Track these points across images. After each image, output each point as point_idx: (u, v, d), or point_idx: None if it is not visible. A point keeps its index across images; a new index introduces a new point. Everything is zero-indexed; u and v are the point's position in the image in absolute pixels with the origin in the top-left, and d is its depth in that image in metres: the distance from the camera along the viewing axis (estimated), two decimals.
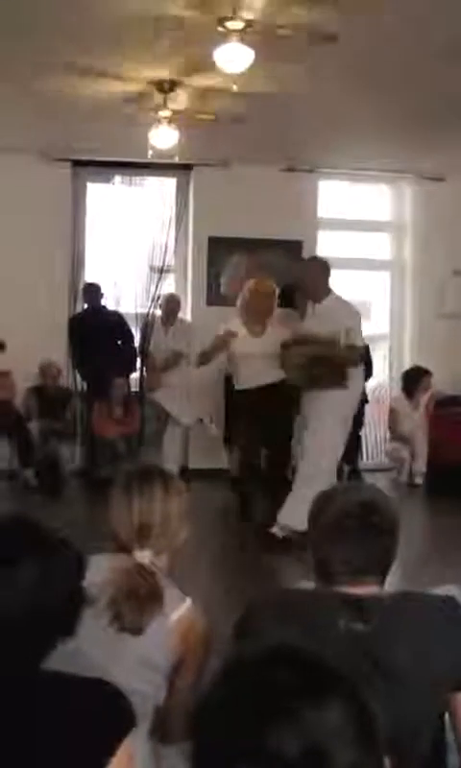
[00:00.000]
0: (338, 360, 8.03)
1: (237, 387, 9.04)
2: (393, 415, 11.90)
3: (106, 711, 1.95)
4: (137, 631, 2.77)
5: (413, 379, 11.80)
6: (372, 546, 2.59)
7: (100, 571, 2.83)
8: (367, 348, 8.37)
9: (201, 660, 2.90)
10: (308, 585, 2.81)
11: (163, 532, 2.94)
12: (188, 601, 2.89)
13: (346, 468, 10.68)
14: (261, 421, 8.84)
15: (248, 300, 8.89)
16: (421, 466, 11.57)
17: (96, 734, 1.91)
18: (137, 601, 2.77)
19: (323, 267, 8.38)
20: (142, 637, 2.77)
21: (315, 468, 8.00)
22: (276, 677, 1.31)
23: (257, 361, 8.62)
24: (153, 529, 2.92)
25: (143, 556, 2.87)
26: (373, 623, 2.48)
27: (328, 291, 8.32)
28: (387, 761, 1.32)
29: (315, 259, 8.45)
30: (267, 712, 1.25)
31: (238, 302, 8.99)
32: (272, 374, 8.50)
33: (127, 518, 2.93)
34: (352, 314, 8.35)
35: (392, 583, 2.74)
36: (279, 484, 8.55)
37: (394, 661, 2.46)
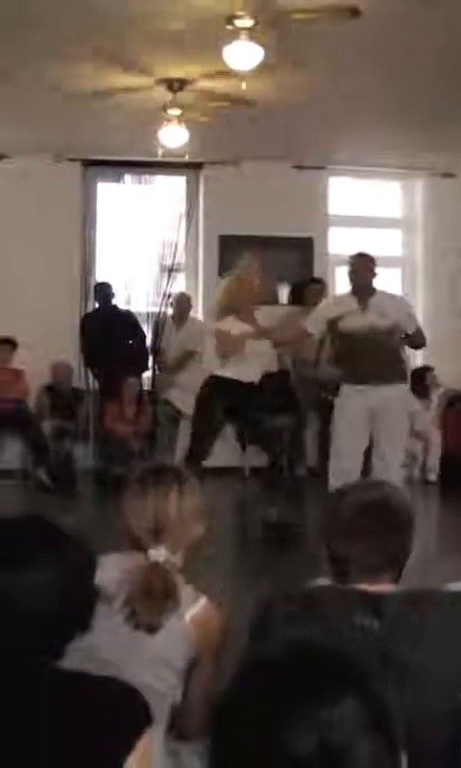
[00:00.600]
0: None
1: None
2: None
3: (122, 709, 1.95)
4: (153, 629, 2.77)
5: (421, 378, 11.80)
6: (386, 544, 2.59)
7: (115, 570, 2.84)
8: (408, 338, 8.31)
9: (216, 658, 2.90)
10: (324, 582, 2.81)
11: (178, 530, 2.93)
12: (204, 599, 2.89)
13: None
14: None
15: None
16: (434, 462, 11.57)
17: (113, 732, 1.91)
18: (153, 599, 2.77)
19: (373, 262, 8.36)
20: (158, 636, 2.78)
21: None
22: (291, 674, 1.31)
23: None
24: (167, 527, 2.91)
25: (158, 554, 2.87)
26: (388, 620, 2.47)
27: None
28: (404, 756, 1.32)
29: (364, 255, 8.40)
30: (283, 709, 1.26)
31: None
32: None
33: (142, 516, 2.93)
34: (405, 302, 8.69)
35: (407, 579, 2.73)
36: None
37: (409, 658, 2.46)
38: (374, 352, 7.86)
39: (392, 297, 8.51)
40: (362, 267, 8.08)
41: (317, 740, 1.23)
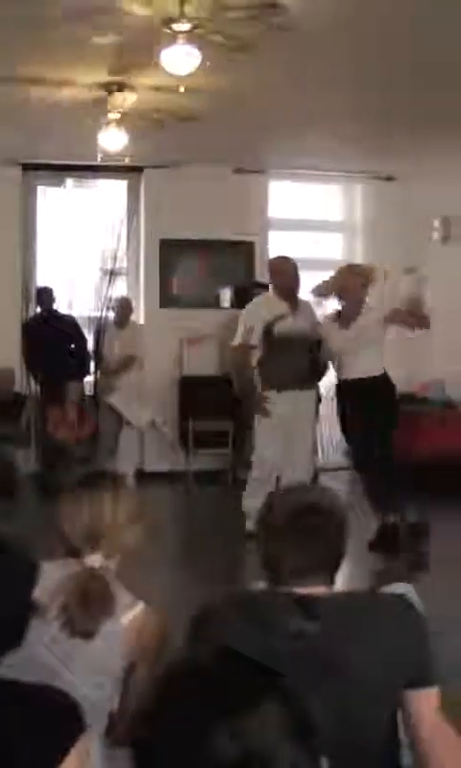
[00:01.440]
0: None
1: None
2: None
3: (55, 717, 1.95)
4: (89, 635, 2.76)
5: None
6: (319, 547, 2.59)
7: (51, 577, 2.83)
8: (319, 345, 8.32)
9: (153, 663, 2.89)
10: (261, 585, 2.81)
11: (114, 535, 2.93)
12: (140, 604, 2.88)
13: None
14: None
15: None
16: None
17: (46, 740, 1.90)
18: (88, 606, 2.76)
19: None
20: (94, 642, 2.77)
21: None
22: (212, 681, 1.32)
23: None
24: (102, 532, 2.90)
25: (93, 560, 2.86)
26: (322, 623, 2.48)
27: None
28: (325, 762, 1.33)
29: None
30: (205, 717, 1.26)
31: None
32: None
33: (77, 523, 2.92)
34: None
35: (342, 581, 2.74)
36: None
37: (344, 661, 2.47)
38: (303, 355, 8.06)
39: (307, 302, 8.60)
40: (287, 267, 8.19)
41: (239, 748, 1.23)
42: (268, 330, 8.07)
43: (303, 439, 8.38)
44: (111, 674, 2.82)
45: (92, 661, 2.77)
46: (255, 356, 8.28)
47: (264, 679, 1.35)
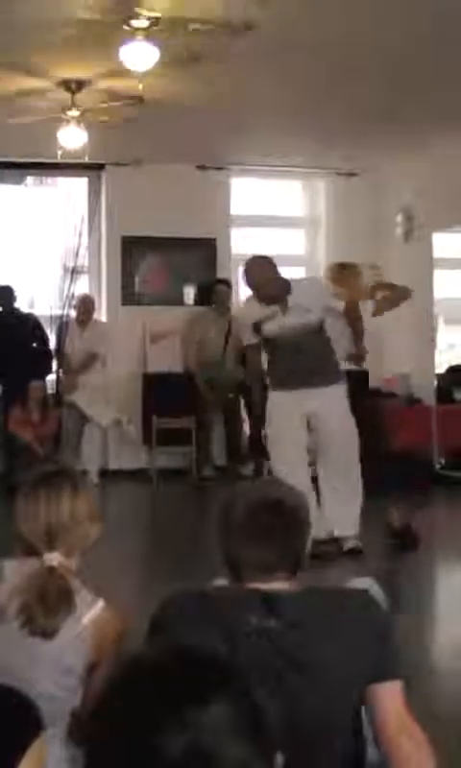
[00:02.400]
0: None
1: None
2: None
3: (10, 716, 1.93)
4: (50, 634, 2.74)
5: None
6: (280, 542, 2.57)
7: (9, 576, 2.80)
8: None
9: (114, 660, 2.87)
10: (222, 582, 2.80)
11: (72, 533, 2.90)
12: (101, 602, 2.86)
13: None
14: None
15: None
16: None
17: (1, 740, 1.88)
18: (48, 604, 2.73)
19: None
20: (55, 641, 2.74)
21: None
22: (162, 676, 1.30)
23: None
24: (61, 531, 2.88)
25: (52, 558, 2.83)
26: (284, 618, 2.47)
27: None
28: (280, 758, 1.31)
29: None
30: (152, 711, 1.25)
31: None
32: None
33: (34, 521, 2.89)
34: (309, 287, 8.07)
35: (311, 578, 2.73)
36: None
37: (307, 656, 2.46)
38: (298, 354, 7.55)
39: (305, 286, 7.97)
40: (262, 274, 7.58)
41: (186, 743, 1.22)
42: (257, 329, 7.70)
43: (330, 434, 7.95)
44: (74, 673, 2.80)
45: (54, 661, 2.75)
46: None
47: (215, 674, 1.33)
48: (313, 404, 7.58)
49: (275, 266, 7.57)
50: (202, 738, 1.22)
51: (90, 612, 2.82)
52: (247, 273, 7.58)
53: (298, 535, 2.62)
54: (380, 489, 9.36)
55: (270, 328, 7.58)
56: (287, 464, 7.55)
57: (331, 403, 7.67)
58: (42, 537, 2.86)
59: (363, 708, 2.63)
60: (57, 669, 2.76)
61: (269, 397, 7.80)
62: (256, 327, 7.67)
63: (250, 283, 7.59)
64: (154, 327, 11.95)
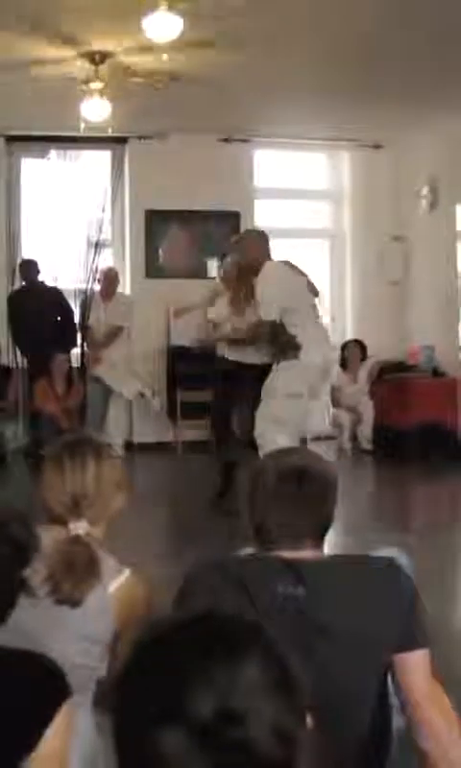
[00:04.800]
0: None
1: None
2: (332, 387, 12.05)
3: (38, 682, 1.94)
4: (76, 603, 2.75)
5: (347, 353, 11.97)
6: (307, 511, 2.58)
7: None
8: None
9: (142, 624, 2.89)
10: (249, 551, 2.80)
11: (97, 501, 2.91)
12: (127, 571, 2.87)
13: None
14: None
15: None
16: (367, 432, 11.66)
17: (30, 706, 1.90)
18: (74, 573, 2.74)
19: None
20: (81, 609, 2.76)
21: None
22: (191, 639, 1.30)
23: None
24: (86, 499, 2.88)
25: (78, 527, 2.84)
26: (311, 586, 2.47)
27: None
28: (310, 718, 1.31)
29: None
30: (181, 674, 1.25)
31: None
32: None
33: (60, 490, 2.90)
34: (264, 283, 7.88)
35: (339, 546, 2.74)
36: None
37: (333, 624, 2.46)
38: None
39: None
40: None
41: (217, 704, 1.22)
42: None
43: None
44: (100, 642, 2.81)
45: (80, 629, 2.76)
46: None
47: (244, 633, 1.33)
48: None
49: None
50: (233, 697, 1.22)
51: (116, 581, 2.83)
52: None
53: (325, 503, 2.62)
54: (404, 461, 9.41)
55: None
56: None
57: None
58: (68, 505, 2.87)
59: (389, 675, 2.64)
60: (82, 637, 2.77)
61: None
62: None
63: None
64: (178, 300, 11.93)
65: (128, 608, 2.82)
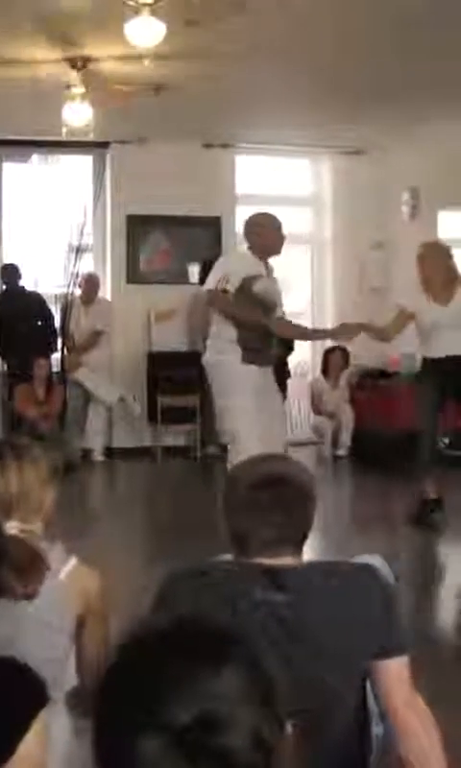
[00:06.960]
0: None
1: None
2: (313, 394, 12.12)
3: (14, 690, 1.93)
4: (31, 596, 2.77)
5: (328, 360, 12.00)
6: (284, 517, 2.57)
7: None
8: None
9: (101, 614, 2.98)
10: (227, 557, 2.80)
11: (25, 501, 2.97)
12: (73, 558, 2.93)
13: None
14: None
15: None
16: (346, 438, 11.69)
17: (7, 714, 1.89)
18: (21, 569, 2.76)
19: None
20: (37, 601, 2.77)
21: None
22: (172, 644, 1.30)
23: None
24: (13, 500, 2.95)
25: (11, 527, 2.88)
26: (289, 593, 2.47)
27: None
28: (289, 726, 1.31)
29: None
30: (162, 680, 1.25)
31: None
32: None
33: None
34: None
35: (319, 553, 2.73)
36: None
37: (312, 631, 2.46)
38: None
39: None
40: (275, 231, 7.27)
41: (197, 711, 1.22)
42: (243, 287, 7.03)
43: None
44: (62, 629, 2.85)
45: (41, 620, 2.78)
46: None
47: (224, 642, 1.33)
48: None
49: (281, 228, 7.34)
50: (213, 706, 1.23)
51: (65, 568, 2.89)
52: (260, 225, 7.30)
53: (302, 509, 2.61)
54: (386, 468, 9.41)
55: (259, 288, 7.07)
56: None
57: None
58: None
59: (368, 681, 2.64)
60: (44, 626, 2.80)
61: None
62: (247, 283, 7.05)
63: (262, 234, 7.26)
64: (158, 306, 11.93)
65: (82, 594, 2.91)
